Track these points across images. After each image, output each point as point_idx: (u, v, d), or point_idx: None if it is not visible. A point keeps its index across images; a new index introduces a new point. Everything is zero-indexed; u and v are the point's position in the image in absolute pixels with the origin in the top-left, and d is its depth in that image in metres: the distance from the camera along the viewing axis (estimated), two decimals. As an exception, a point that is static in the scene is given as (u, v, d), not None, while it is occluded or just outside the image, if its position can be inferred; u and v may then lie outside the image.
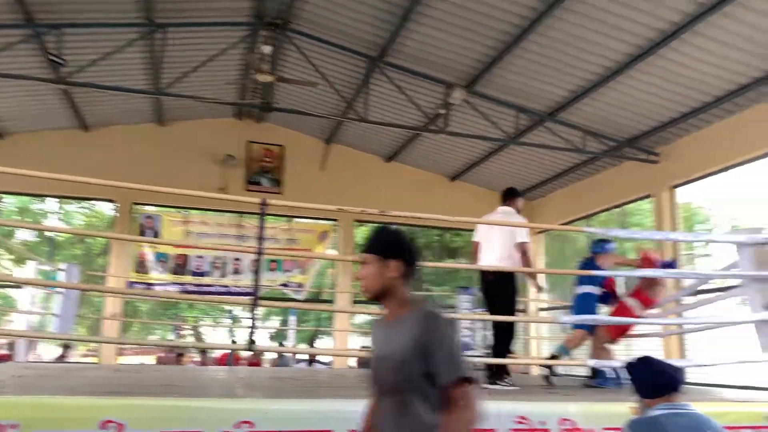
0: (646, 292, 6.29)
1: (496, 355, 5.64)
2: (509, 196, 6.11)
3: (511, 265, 5.58)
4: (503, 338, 5.72)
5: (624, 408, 3.29)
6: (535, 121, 10.51)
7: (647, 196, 11.05)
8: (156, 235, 12.40)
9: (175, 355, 13.24)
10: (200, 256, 12.47)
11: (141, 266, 12.30)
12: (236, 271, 12.60)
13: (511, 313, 5.52)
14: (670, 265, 6.70)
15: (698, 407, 2.86)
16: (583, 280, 6.34)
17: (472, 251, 6.17)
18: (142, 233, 12.34)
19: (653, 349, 9.80)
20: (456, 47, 9.20)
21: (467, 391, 2.03)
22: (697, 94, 8.89)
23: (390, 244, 2.21)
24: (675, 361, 6.08)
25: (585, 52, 8.51)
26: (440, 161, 13.51)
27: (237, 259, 12.66)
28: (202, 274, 12.49)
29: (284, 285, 12.75)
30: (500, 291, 5.65)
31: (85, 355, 15.47)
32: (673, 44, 7.80)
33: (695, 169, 9.90)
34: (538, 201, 14.19)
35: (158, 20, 9.10)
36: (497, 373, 5.41)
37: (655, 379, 2.80)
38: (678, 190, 10.47)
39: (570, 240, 13.85)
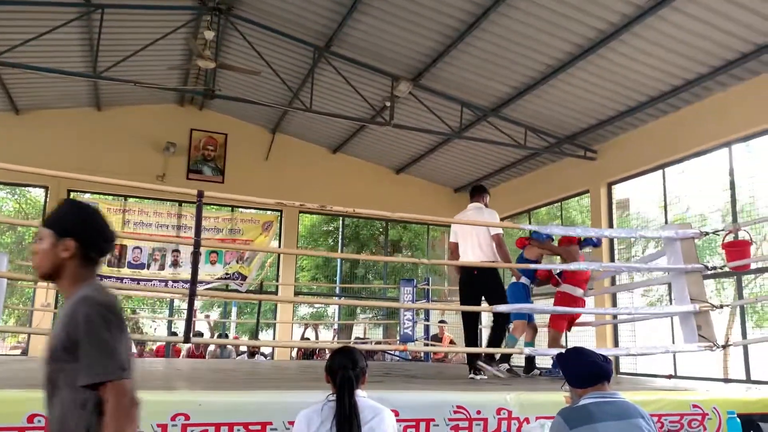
0: (571, 272, 6.27)
1: (493, 343, 5.82)
2: (477, 192, 6.31)
3: (492, 258, 5.78)
4: (500, 329, 5.92)
5: (558, 397, 3.38)
6: (479, 116, 10.66)
7: (585, 192, 11.37)
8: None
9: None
10: (138, 247, 12.09)
11: None
12: (175, 263, 12.31)
13: (505, 303, 5.65)
14: (590, 241, 6.81)
15: (627, 395, 2.96)
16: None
17: (450, 251, 6.26)
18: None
19: (587, 338, 10.17)
20: (402, 40, 9.22)
21: (115, 396, 1.76)
22: (634, 94, 9.18)
23: (67, 222, 1.97)
24: (607, 351, 6.29)
25: (528, 49, 8.66)
26: (386, 154, 13.55)
27: (176, 251, 12.36)
28: (140, 266, 12.14)
29: (227, 277, 12.52)
30: (490, 284, 5.82)
31: (15, 347, 14.88)
32: (612, 44, 8.03)
33: (631, 167, 10.25)
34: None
35: (96, 0, 8.77)
36: (491, 359, 5.69)
37: (584, 369, 2.89)
38: (614, 187, 10.82)
39: (511, 234, 14.10)
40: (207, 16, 9.43)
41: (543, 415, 3.67)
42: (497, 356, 5.99)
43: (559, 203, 12.33)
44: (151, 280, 12.10)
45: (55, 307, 12.08)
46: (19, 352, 13.25)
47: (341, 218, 15.33)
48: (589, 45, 8.20)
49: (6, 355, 12.34)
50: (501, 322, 5.90)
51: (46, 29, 8.65)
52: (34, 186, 13.56)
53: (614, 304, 10.14)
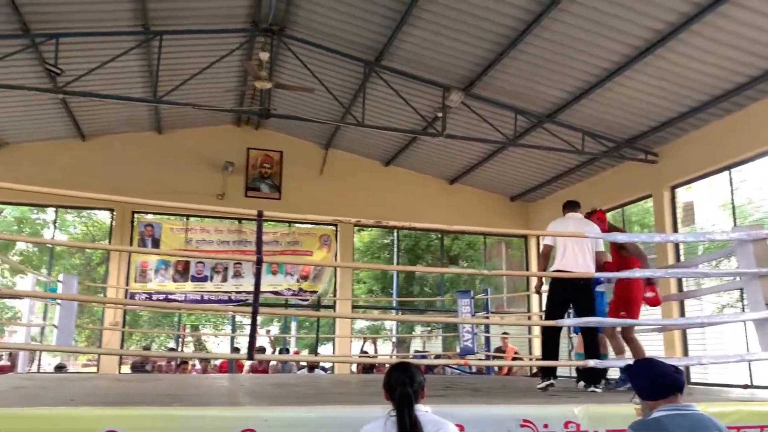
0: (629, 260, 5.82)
1: (591, 357, 5.46)
2: (576, 205, 6.33)
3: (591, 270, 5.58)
4: (594, 342, 5.68)
5: (629, 409, 3.26)
6: (534, 122, 10.52)
7: (647, 196, 11.04)
8: (156, 242, 12.37)
9: (176, 363, 13.19)
10: (201, 262, 12.43)
11: (143, 275, 12.27)
12: (237, 274, 12.58)
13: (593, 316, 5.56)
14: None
15: (701, 407, 2.84)
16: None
17: (544, 255, 6.14)
18: (141, 242, 12.31)
19: (655, 347, 9.82)
20: (453, 50, 9.21)
21: None
22: (695, 94, 8.89)
23: None
24: (677, 361, 6.04)
25: (583, 53, 8.51)
26: (439, 164, 13.51)
27: (238, 263, 12.64)
28: (203, 279, 12.44)
29: (294, 293, 12.74)
30: (588, 296, 5.70)
31: (86, 365, 15.44)
32: (670, 44, 7.81)
33: (694, 169, 9.91)
34: (537, 202, 14.19)
35: (154, 28, 9.11)
36: (595, 377, 5.43)
37: (656, 381, 2.78)
38: (678, 190, 10.48)
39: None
40: (260, 37, 9.64)
41: (613, 428, 3.56)
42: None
43: (621, 209, 12.00)
44: (214, 293, 12.38)
45: (123, 326, 12.50)
46: (90, 369, 13.72)
47: (396, 231, 15.34)
48: (646, 46, 7.99)
49: (78, 372, 12.81)
50: (594, 338, 5.69)
51: (108, 58, 9.03)
52: (101, 209, 14.10)
53: (682, 310, 9.78)
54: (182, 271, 12.40)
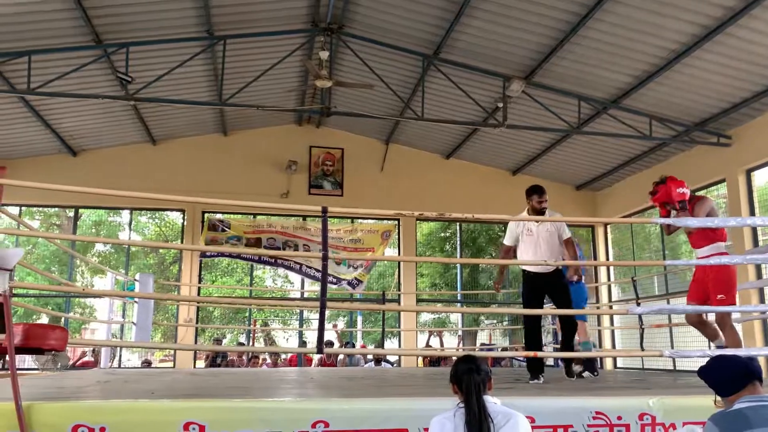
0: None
1: (569, 348, 5.69)
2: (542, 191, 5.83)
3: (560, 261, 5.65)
4: (572, 332, 5.78)
5: (707, 401, 3.16)
6: (598, 109, 10.26)
7: (721, 181, 10.61)
8: (226, 226, 12.54)
9: (248, 357, 13.57)
10: (272, 238, 12.58)
11: (213, 242, 12.36)
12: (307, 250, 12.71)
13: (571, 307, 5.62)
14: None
15: (787, 399, 2.72)
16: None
17: (504, 254, 6.11)
18: (213, 226, 12.47)
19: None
20: (511, 39, 9.08)
21: None
22: (771, 72, 8.47)
23: None
24: (759, 351, 5.78)
25: (647, 35, 8.24)
26: (501, 155, 13.36)
27: (306, 246, 12.74)
28: (276, 249, 12.59)
29: (348, 282, 12.85)
30: (560, 287, 5.70)
31: (163, 360, 16.06)
32: (741, 21, 7.47)
33: (772, 151, 9.45)
34: (604, 191, 13.85)
35: (218, 33, 9.37)
36: (590, 366, 5.64)
37: (730, 372, 2.68)
38: (754, 173, 10.02)
39: (639, 230, 13.44)
40: (320, 37, 9.78)
41: (690, 420, 3.45)
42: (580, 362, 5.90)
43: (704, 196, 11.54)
44: (286, 259, 12.52)
45: (197, 322, 12.94)
46: (167, 364, 14.27)
47: (458, 224, 15.26)
48: (715, 24, 7.66)
49: (157, 367, 13.35)
50: (572, 328, 5.77)
51: (175, 64, 9.36)
52: (173, 210, 14.61)
53: (762, 298, 9.36)
54: (254, 244, 12.50)
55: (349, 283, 12.76)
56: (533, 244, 5.65)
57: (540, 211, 5.65)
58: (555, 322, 8.13)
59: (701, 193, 11.61)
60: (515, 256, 5.88)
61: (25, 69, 8.76)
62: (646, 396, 3.67)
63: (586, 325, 6.74)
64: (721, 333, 5.27)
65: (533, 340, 5.64)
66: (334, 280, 12.47)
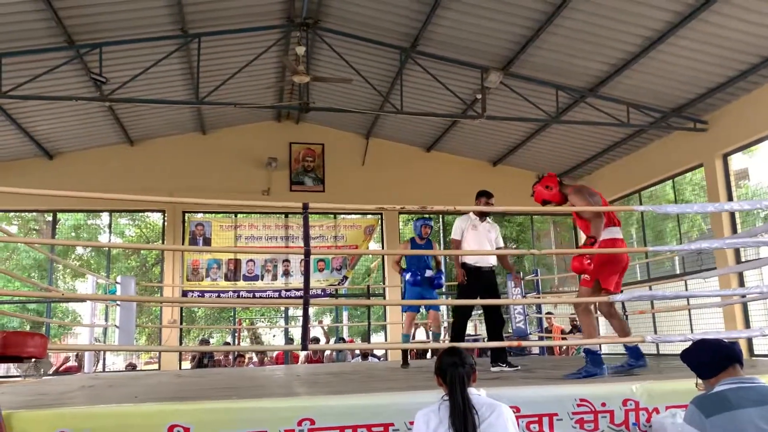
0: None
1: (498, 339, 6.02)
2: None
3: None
4: (501, 326, 6.16)
5: (689, 384, 3.19)
6: (576, 98, 10.32)
7: (698, 166, 10.73)
8: (207, 241, 12.66)
9: (234, 356, 13.52)
10: (251, 260, 12.71)
11: (194, 273, 12.59)
12: (286, 273, 12.81)
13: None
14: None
15: (766, 379, 2.76)
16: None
17: (455, 247, 6.41)
18: (193, 240, 12.61)
19: (715, 321, 9.56)
20: (488, 30, 9.09)
21: None
22: (744, 56, 8.57)
23: None
24: (738, 333, 5.85)
25: (622, 23, 8.29)
26: (481, 147, 13.39)
27: (286, 261, 12.85)
28: (254, 278, 12.73)
29: (336, 283, 12.89)
30: (494, 284, 6.32)
31: (148, 362, 15.95)
32: (715, 6, 7.54)
33: (747, 134, 9.57)
34: (584, 179, 13.93)
35: (192, 31, 9.27)
36: (501, 356, 5.86)
37: (710, 355, 2.73)
38: (731, 158, 10.14)
39: (620, 218, 13.53)
40: (296, 32, 9.71)
41: (673, 404, 3.50)
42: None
43: (671, 180, 11.69)
44: (265, 291, 12.64)
45: (181, 323, 12.85)
46: (152, 366, 14.17)
47: (441, 216, 15.29)
48: (689, 10, 7.73)
49: (141, 370, 13.24)
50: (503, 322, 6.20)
51: (150, 63, 9.25)
52: (153, 211, 14.49)
53: (741, 281, 9.49)
54: (234, 271, 12.68)
55: (341, 283, 12.83)
56: (477, 239, 6.18)
57: (485, 213, 6.31)
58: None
59: (680, 179, 11.77)
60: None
61: (-4, 72, 8.62)
62: (629, 382, 3.71)
63: None
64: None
65: (461, 330, 6.20)
66: (320, 292, 12.53)
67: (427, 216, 7.56)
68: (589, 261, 4.63)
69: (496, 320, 6.06)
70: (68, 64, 9.07)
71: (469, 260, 6.13)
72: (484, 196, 6.37)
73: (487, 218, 6.41)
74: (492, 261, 6.24)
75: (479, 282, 6.09)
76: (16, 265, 16.71)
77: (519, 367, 5.82)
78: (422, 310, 7.70)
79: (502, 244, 6.50)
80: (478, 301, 6.12)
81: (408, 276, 6.99)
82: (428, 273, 7.00)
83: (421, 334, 13.47)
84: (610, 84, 9.79)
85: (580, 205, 4.86)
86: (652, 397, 3.55)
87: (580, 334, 10.61)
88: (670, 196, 11.88)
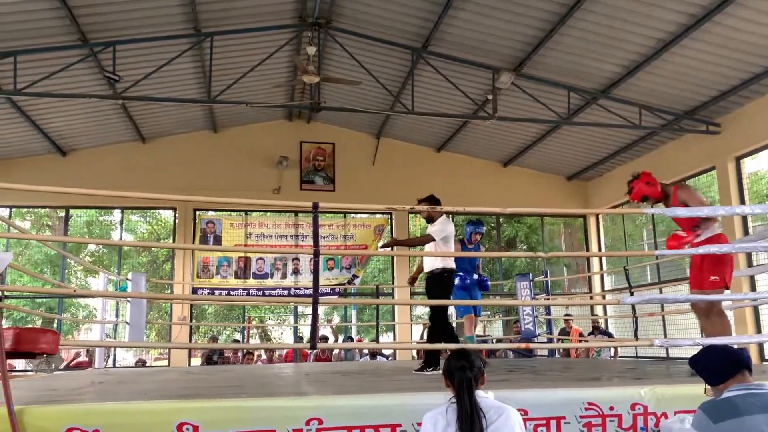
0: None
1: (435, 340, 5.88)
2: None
3: (440, 261, 6.05)
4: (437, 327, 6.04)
5: (698, 390, 3.19)
6: (588, 99, 10.28)
7: (710, 169, 10.66)
8: (217, 239, 12.72)
9: (243, 354, 13.57)
10: (261, 258, 12.77)
11: (204, 270, 12.65)
12: (296, 271, 12.85)
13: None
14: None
15: (776, 387, 2.75)
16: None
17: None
18: (203, 238, 12.68)
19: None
20: (500, 31, 9.07)
21: None
22: (758, 59, 8.52)
23: None
24: (749, 338, 5.80)
25: (635, 25, 8.25)
26: (491, 147, 13.37)
27: (296, 259, 12.89)
28: (264, 276, 12.79)
29: (346, 282, 12.91)
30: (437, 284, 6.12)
31: (158, 358, 16.04)
32: (729, 9, 7.49)
33: (761, 138, 9.49)
34: (595, 180, 13.89)
35: (205, 30, 9.32)
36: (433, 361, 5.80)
37: (718, 361, 2.73)
38: (744, 161, 10.07)
39: (631, 219, 13.49)
40: (307, 32, 9.73)
41: (681, 409, 3.48)
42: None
43: (683, 182, 11.61)
44: (274, 289, 12.69)
45: (191, 320, 12.92)
46: (162, 362, 14.26)
47: (451, 216, 15.26)
48: (703, 13, 7.68)
49: (151, 366, 13.33)
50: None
51: (163, 62, 9.30)
52: (164, 208, 14.57)
53: (753, 285, 9.42)
54: (243, 268, 12.74)
55: (350, 282, 12.84)
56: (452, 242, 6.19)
57: (433, 218, 6.18)
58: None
59: (691, 182, 11.69)
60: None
61: (11, 69, 8.70)
62: (638, 386, 3.69)
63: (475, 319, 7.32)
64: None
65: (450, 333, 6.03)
66: (329, 291, 12.55)
67: (478, 221, 7.49)
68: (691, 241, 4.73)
69: (434, 323, 6.04)
70: (82, 62, 9.14)
71: (451, 264, 6.22)
72: (425, 200, 6.14)
73: (432, 222, 6.29)
74: (426, 267, 6.15)
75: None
76: (28, 260, 16.86)
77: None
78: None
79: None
80: (488, 302, 6.11)
81: (456, 280, 6.81)
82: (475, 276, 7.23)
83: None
84: (622, 86, 9.74)
85: (693, 200, 4.96)
86: (660, 402, 3.53)
87: (601, 336, 10.60)
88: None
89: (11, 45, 8.62)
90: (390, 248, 7.14)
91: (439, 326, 5.90)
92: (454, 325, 7.38)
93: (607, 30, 8.49)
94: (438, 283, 6.00)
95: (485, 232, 9.00)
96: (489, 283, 7.46)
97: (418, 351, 7.29)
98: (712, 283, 4.93)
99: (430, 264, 6.05)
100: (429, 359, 5.87)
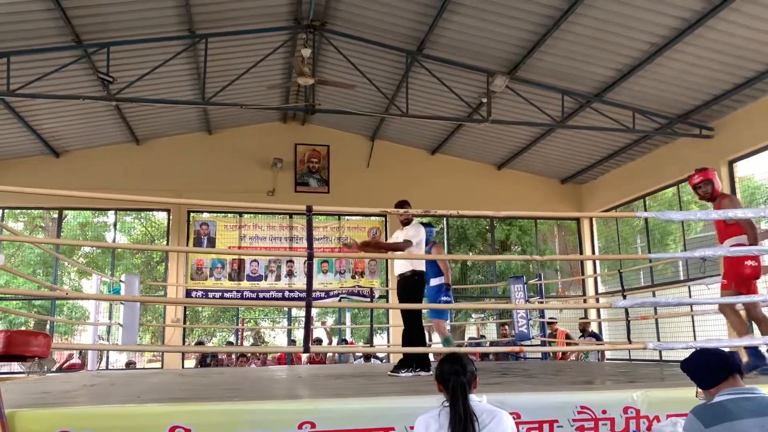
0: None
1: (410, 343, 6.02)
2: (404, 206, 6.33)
3: (409, 265, 6.14)
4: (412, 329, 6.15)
5: (689, 393, 3.20)
6: (582, 103, 10.32)
7: (703, 172, 10.69)
8: (211, 241, 12.70)
9: (236, 356, 13.54)
10: (255, 260, 12.75)
11: (198, 272, 12.63)
12: (290, 273, 12.84)
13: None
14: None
15: (766, 390, 2.76)
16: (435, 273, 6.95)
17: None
18: (197, 240, 12.66)
19: (718, 329, 9.52)
20: (495, 34, 9.10)
21: None
22: (750, 64, 8.56)
23: None
24: (750, 340, 5.80)
25: (629, 29, 8.29)
26: (486, 150, 13.39)
27: (290, 261, 12.88)
28: (258, 278, 12.77)
29: (351, 293, 12.84)
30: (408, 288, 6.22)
31: (151, 360, 15.99)
32: (722, 14, 7.53)
33: (753, 142, 9.54)
34: (589, 183, 13.93)
35: (199, 31, 9.31)
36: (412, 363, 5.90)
37: (708, 364, 2.74)
38: (737, 165, 10.12)
39: (625, 221, 13.53)
40: (302, 34, 9.74)
41: (674, 412, 3.50)
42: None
43: (676, 186, 11.67)
44: (268, 291, 12.67)
45: (184, 323, 12.89)
46: (155, 364, 14.20)
47: (445, 219, 15.29)
48: (696, 17, 7.72)
49: (144, 368, 13.28)
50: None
51: (157, 63, 9.29)
52: (158, 210, 14.53)
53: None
54: (237, 270, 12.72)
55: (356, 293, 12.77)
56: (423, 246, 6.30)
57: (408, 221, 6.40)
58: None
59: (685, 184, 11.73)
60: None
61: (5, 70, 8.66)
62: (630, 389, 3.71)
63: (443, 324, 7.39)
64: (755, 327, 5.21)
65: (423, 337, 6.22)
66: (323, 295, 12.52)
67: (430, 223, 7.60)
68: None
69: (403, 325, 6.15)
70: (76, 63, 9.11)
71: (423, 268, 6.31)
72: (399, 205, 6.31)
73: (407, 226, 6.38)
74: (396, 269, 6.24)
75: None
76: (21, 261, 16.78)
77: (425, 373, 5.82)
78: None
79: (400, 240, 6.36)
80: (480, 305, 6.12)
81: (437, 282, 6.95)
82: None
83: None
84: (616, 89, 9.78)
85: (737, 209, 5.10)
86: (652, 405, 3.55)
87: (590, 338, 10.62)
88: (674, 201, 11.86)
89: (5, 46, 8.59)
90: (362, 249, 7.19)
91: (413, 330, 6.04)
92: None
93: (601, 34, 8.52)
94: (410, 286, 6.10)
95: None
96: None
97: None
98: (722, 286, 5.20)
99: (401, 267, 6.14)
100: (406, 361, 5.96)
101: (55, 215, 13.61)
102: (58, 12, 8.04)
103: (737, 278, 5.10)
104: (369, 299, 11.82)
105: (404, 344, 6.08)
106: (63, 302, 15.09)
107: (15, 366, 10.52)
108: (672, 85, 9.48)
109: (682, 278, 11.51)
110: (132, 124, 11.98)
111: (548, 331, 11.37)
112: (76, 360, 11.74)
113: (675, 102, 9.96)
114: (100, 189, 4.68)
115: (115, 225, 15.23)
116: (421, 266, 6.16)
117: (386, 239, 13.52)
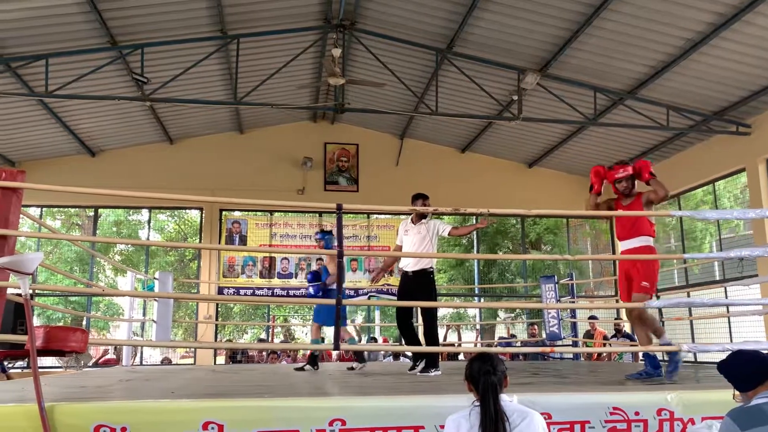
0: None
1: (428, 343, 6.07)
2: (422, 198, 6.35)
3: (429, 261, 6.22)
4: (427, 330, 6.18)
5: (726, 396, 3.13)
6: (615, 100, 10.17)
7: (740, 170, 10.48)
8: (243, 239, 12.84)
9: (267, 353, 13.67)
10: (286, 258, 12.87)
11: (230, 270, 12.78)
12: None
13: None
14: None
15: (807, 394, 2.69)
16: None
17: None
18: (229, 238, 12.81)
19: (756, 330, 9.33)
20: (526, 31, 9.02)
21: None
22: (790, 59, 8.34)
23: None
24: None
25: (663, 24, 8.14)
26: (516, 148, 13.29)
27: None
28: (288, 276, 12.87)
29: (380, 291, 12.82)
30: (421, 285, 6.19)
31: (184, 356, 16.23)
32: (760, 8, 7.35)
33: (793, 138, 9.31)
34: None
35: (231, 32, 9.41)
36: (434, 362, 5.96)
37: (747, 368, 2.68)
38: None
39: (657, 221, 13.30)
40: (332, 34, 9.78)
41: (709, 415, 3.43)
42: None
43: (711, 184, 11.43)
44: (299, 289, 12.75)
45: (216, 319, 13.06)
46: (188, 360, 14.42)
47: (474, 218, 15.21)
48: (732, 12, 7.55)
49: (177, 364, 13.49)
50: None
51: (190, 64, 9.42)
52: (191, 208, 14.74)
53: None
54: (268, 268, 12.84)
55: (384, 292, 12.73)
56: (410, 242, 6.23)
57: (423, 215, 6.25)
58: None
59: (720, 183, 11.51)
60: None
61: (43, 72, 8.88)
62: (664, 391, 3.65)
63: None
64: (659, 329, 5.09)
65: (411, 334, 6.36)
66: (353, 293, 12.52)
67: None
68: None
69: (424, 324, 6.18)
70: (111, 64, 9.29)
71: (402, 265, 6.38)
72: (420, 198, 6.30)
73: (424, 220, 6.30)
74: (413, 265, 6.16)
75: (402, 285, 6.32)
76: (59, 258, 17.18)
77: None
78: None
79: (445, 228, 6.34)
80: (508, 304, 6.10)
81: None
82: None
83: (452, 337, 13.44)
84: (649, 86, 9.62)
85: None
86: (687, 408, 3.49)
87: (624, 339, 10.48)
88: (709, 199, 11.63)
89: (43, 48, 8.80)
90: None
91: (435, 328, 6.16)
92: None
93: (633, 30, 8.39)
94: (430, 282, 6.16)
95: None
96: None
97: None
98: (642, 288, 5.05)
99: (422, 262, 6.12)
100: (433, 360, 6.00)
101: (91, 213, 13.91)
102: (94, 14, 8.21)
103: None
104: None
105: (428, 343, 6.11)
106: (99, 299, 15.41)
107: (50, 360, 10.79)
108: (708, 82, 9.29)
109: (718, 278, 11.28)
110: (166, 123, 12.18)
111: (587, 329, 11.24)
112: (111, 355, 11.98)
113: (710, 99, 9.76)
114: (134, 188, 4.79)
115: (149, 223, 15.51)
116: (433, 263, 6.29)
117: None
